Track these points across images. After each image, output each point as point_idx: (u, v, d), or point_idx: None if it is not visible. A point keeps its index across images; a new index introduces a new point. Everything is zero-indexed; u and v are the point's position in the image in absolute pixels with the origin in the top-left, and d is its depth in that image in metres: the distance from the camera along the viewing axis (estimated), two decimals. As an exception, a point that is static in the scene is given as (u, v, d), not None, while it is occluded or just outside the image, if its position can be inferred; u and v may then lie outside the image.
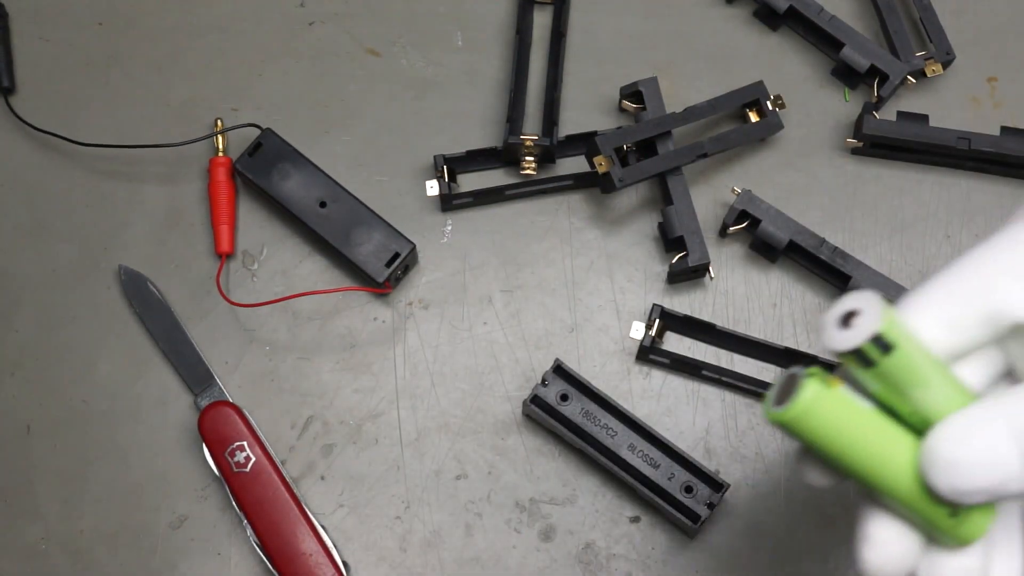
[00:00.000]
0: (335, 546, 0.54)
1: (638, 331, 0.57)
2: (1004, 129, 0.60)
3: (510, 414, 0.57)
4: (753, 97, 0.60)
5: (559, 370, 0.55)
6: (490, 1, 0.65)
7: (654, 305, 0.57)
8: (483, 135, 0.62)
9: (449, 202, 0.60)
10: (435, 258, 0.60)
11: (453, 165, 0.60)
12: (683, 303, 0.59)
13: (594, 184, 0.60)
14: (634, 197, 0.61)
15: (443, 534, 0.56)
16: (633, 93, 0.60)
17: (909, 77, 0.61)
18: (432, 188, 0.59)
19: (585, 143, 0.59)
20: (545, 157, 0.60)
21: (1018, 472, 0.30)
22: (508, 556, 0.55)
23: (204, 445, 0.55)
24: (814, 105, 0.63)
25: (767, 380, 0.57)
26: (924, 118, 0.60)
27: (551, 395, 0.55)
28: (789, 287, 0.60)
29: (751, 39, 0.64)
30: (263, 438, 0.56)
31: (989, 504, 0.33)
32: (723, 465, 0.56)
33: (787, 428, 0.32)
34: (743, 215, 0.58)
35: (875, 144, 0.60)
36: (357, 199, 0.59)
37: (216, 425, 0.55)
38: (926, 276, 0.47)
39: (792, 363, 0.57)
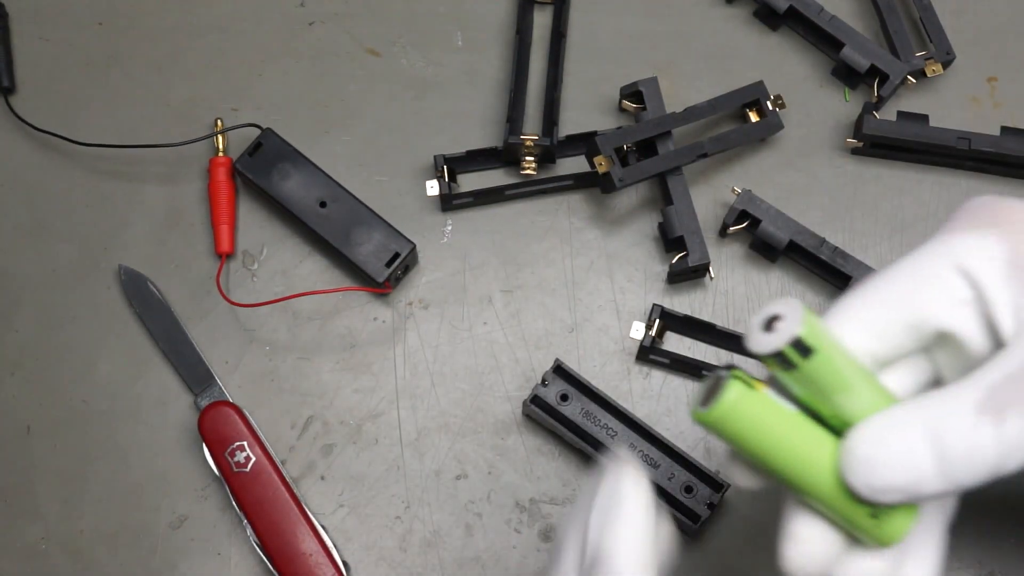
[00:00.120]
0: (335, 546, 0.54)
1: (638, 331, 0.57)
2: (1004, 129, 0.60)
3: (510, 414, 0.57)
4: (753, 97, 0.60)
5: (559, 370, 0.55)
6: (490, 1, 0.65)
7: (654, 305, 0.57)
8: (483, 135, 0.62)
9: (449, 202, 0.60)
10: (435, 258, 0.60)
11: (453, 165, 0.60)
12: (683, 303, 0.59)
13: (594, 184, 0.60)
14: (634, 197, 0.61)
15: (443, 534, 0.56)
16: (633, 93, 0.60)
17: (909, 77, 0.61)
18: (432, 188, 0.59)
19: (585, 143, 0.59)
20: (545, 157, 0.60)
21: (932, 473, 0.31)
22: (508, 556, 0.55)
23: (204, 445, 0.55)
24: (814, 105, 0.63)
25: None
26: (924, 118, 0.60)
27: (551, 395, 0.55)
28: (789, 287, 0.60)
29: (751, 39, 0.64)
30: (263, 438, 0.56)
31: (910, 507, 0.34)
32: (723, 465, 0.56)
33: (711, 428, 0.33)
34: (743, 215, 0.58)
35: (875, 144, 0.60)
36: (357, 199, 0.59)
37: (216, 425, 0.55)
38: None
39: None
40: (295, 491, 0.55)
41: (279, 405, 0.58)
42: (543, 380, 0.55)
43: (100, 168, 0.62)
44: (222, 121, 0.61)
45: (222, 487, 0.55)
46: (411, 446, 0.57)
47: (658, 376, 0.58)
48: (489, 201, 0.61)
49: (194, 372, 0.57)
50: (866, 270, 0.57)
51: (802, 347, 0.31)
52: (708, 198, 0.61)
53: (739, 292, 0.59)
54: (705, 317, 0.58)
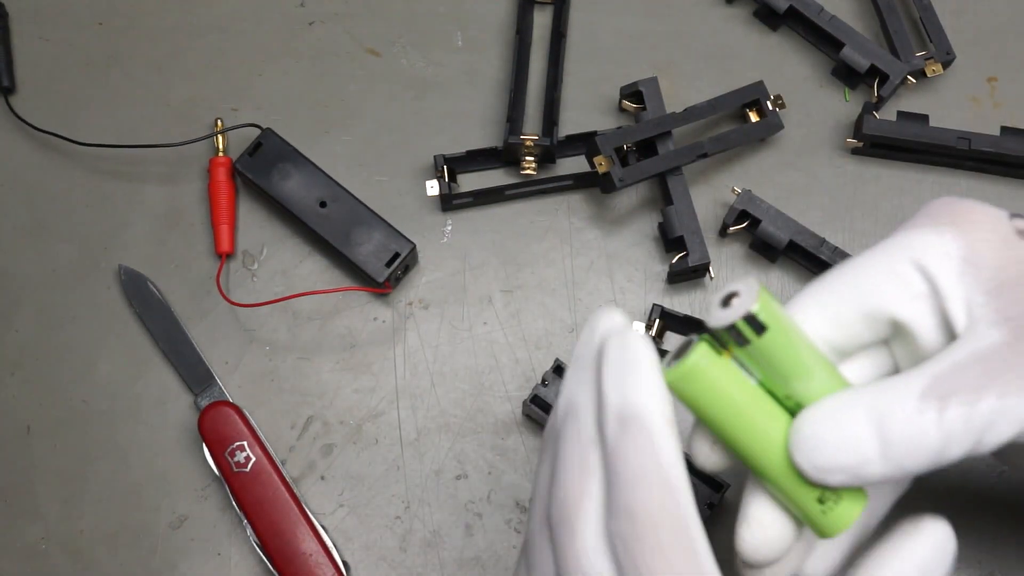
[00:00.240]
0: (335, 546, 0.54)
1: (638, 331, 0.57)
2: (1004, 129, 0.60)
3: (510, 414, 0.57)
4: (753, 97, 0.60)
5: (559, 370, 0.55)
6: (490, 1, 0.65)
7: (654, 305, 0.57)
8: (483, 135, 0.62)
9: (449, 202, 0.60)
10: (435, 258, 0.60)
11: (453, 165, 0.60)
12: (683, 303, 0.59)
13: (594, 184, 0.60)
14: (634, 197, 0.61)
15: (443, 534, 0.56)
16: (633, 93, 0.60)
17: (909, 77, 0.61)
18: (432, 188, 0.59)
19: (585, 143, 0.59)
20: (545, 157, 0.60)
21: (875, 456, 0.32)
22: (508, 556, 0.55)
23: (204, 445, 0.55)
24: (814, 105, 0.63)
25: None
26: (924, 118, 0.60)
27: (551, 395, 0.55)
28: (789, 287, 0.60)
29: (751, 39, 0.64)
30: (263, 438, 0.56)
31: (856, 500, 0.34)
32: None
33: (675, 388, 0.33)
34: (743, 215, 0.58)
35: (875, 144, 0.61)
36: (357, 199, 0.59)
37: (216, 425, 0.55)
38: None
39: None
40: (295, 491, 0.55)
41: (279, 405, 0.58)
42: (543, 380, 0.55)
43: (100, 168, 0.62)
44: (222, 121, 0.61)
45: (222, 487, 0.55)
46: (411, 446, 0.57)
47: (658, 376, 0.58)
48: (489, 201, 0.61)
49: (194, 372, 0.57)
50: (866, 270, 0.57)
51: (755, 323, 0.33)
52: (708, 198, 0.61)
53: (745, 276, 0.59)
54: (705, 317, 0.58)
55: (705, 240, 0.58)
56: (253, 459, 0.55)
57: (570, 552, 0.32)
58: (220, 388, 0.57)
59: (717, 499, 0.54)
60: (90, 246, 0.60)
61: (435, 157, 0.59)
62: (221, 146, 0.61)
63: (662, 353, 0.56)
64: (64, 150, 0.62)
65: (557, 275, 0.60)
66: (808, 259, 0.59)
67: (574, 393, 0.34)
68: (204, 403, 0.57)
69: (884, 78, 0.61)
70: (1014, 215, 0.35)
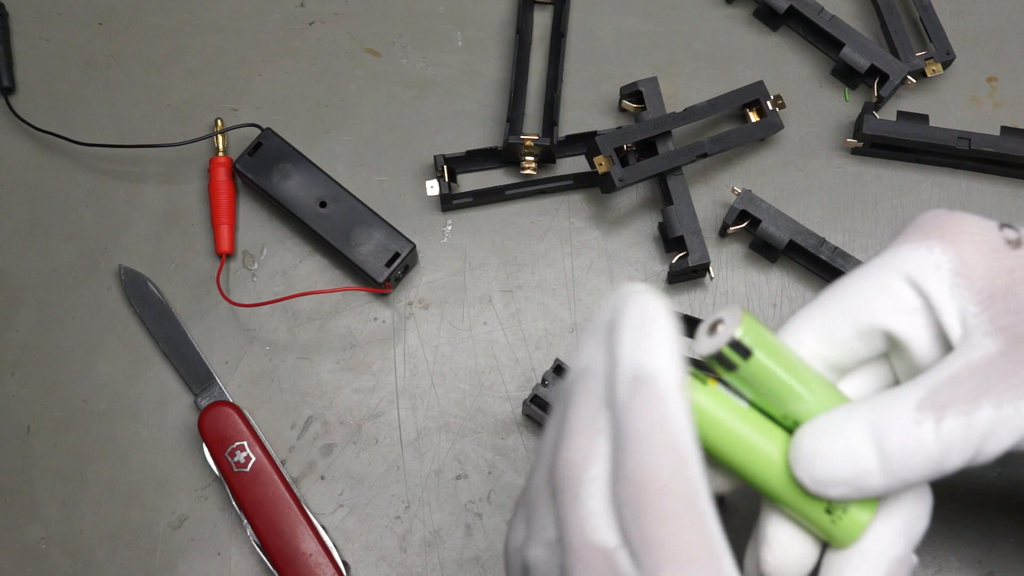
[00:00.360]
0: (335, 546, 0.54)
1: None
2: (1004, 129, 0.60)
3: (510, 414, 0.57)
4: (753, 97, 0.60)
5: (559, 370, 0.55)
6: (490, 1, 0.65)
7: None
8: (483, 135, 0.62)
9: (449, 202, 0.60)
10: (435, 258, 0.60)
11: (453, 165, 0.60)
12: (683, 303, 0.59)
13: (594, 184, 0.60)
14: (634, 197, 0.61)
15: (443, 534, 0.56)
16: (633, 93, 0.60)
17: (909, 77, 0.61)
18: (432, 188, 0.59)
19: (585, 143, 0.59)
20: (545, 157, 0.60)
21: (874, 468, 0.32)
22: (508, 556, 0.55)
23: (204, 445, 0.55)
24: (814, 105, 0.63)
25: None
26: (924, 118, 0.60)
27: (551, 395, 0.55)
28: (789, 287, 0.60)
29: (751, 39, 0.64)
30: (263, 438, 0.56)
31: (865, 507, 0.34)
32: None
33: None
34: (743, 215, 0.58)
35: (875, 144, 0.60)
36: (357, 199, 0.59)
37: (216, 425, 0.55)
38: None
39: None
40: (295, 491, 0.55)
41: (279, 405, 0.58)
42: (543, 380, 0.55)
43: (100, 168, 0.62)
44: (222, 121, 0.61)
45: (222, 487, 0.55)
46: (411, 446, 0.57)
47: (658, 376, 0.58)
48: (489, 201, 0.61)
49: (194, 372, 0.57)
50: (866, 270, 0.57)
51: (740, 348, 0.33)
52: (708, 198, 0.61)
53: (739, 292, 0.60)
54: (705, 317, 0.58)
55: (705, 240, 0.58)
56: (253, 459, 0.55)
57: (574, 517, 0.32)
58: (220, 388, 0.57)
59: (716, 500, 0.53)
60: (90, 246, 0.60)
61: (435, 157, 0.59)
62: (221, 146, 0.61)
63: (691, 324, 0.56)
64: (64, 150, 0.62)
65: (557, 275, 0.60)
66: (808, 259, 0.59)
67: (588, 354, 0.34)
68: (204, 403, 0.57)
69: (884, 78, 0.61)
70: (1003, 225, 0.35)
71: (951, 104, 0.63)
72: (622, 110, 0.62)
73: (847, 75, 0.63)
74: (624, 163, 0.58)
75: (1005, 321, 0.33)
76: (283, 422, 0.57)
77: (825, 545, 0.36)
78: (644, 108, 0.60)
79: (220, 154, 0.61)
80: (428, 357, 0.58)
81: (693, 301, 0.59)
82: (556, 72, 0.61)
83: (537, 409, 0.55)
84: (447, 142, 0.62)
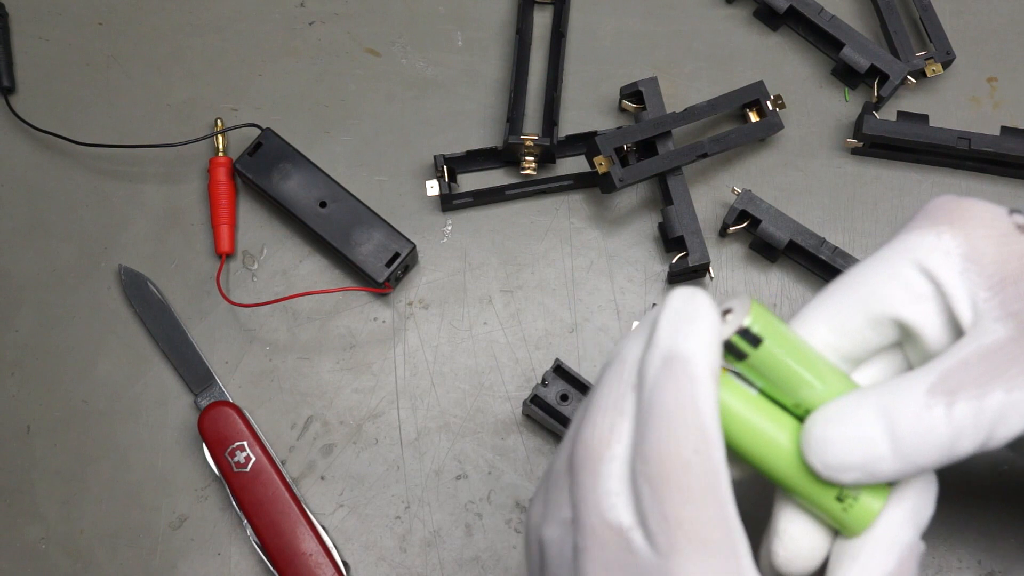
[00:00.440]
0: (335, 546, 0.54)
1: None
2: (1004, 129, 0.60)
3: (510, 414, 0.57)
4: (753, 97, 0.60)
5: (559, 370, 0.55)
6: (490, 1, 0.65)
7: (654, 305, 0.57)
8: (483, 135, 0.62)
9: (449, 202, 0.60)
10: (435, 258, 0.60)
11: (453, 165, 0.60)
12: (683, 303, 0.59)
13: (594, 184, 0.60)
14: (634, 197, 0.61)
15: (443, 534, 0.56)
16: (633, 93, 0.60)
17: (909, 77, 0.61)
18: (432, 188, 0.59)
19: (585, 143, 0.59)
20: (545, 157, 0.60)
21: (886, 452, 0.32)
22: (508, 556, 0.55)
23: (204, 445, 0.55)
24: (814, 105, 0.63)
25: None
26: (924, 118, 0.60)
27: (551, 395, 0.55)
28: (789, 287, 0.60)
29: (751, 39, 0.64)
30: (263, 438, 0.56)
31: (876, 495, 0.34)
32: None
33: None
34: (743, 215, 0.58)
35: (875, 144, 0.60)
36: (357, 199, 0.59)
37: (216, 425, 0.55)
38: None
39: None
40: (295, 491, 0.55)
41: (279, 405, 0.58)
42: (543, 380, 0.55)
43: (100, 168, 0.62)
44: (222, 121, 0.61)
45: (222, 487, 0.55)
46: (411, 446, 0.57)
47: (658, 376, 0.58)
48: (489, 201, 0.61)
49: (194, 372, 0.57)
50: (866, 270, 0.57)
51: (750, 336, 0.33)
52: (708, 198, 0.61)
53: (739, 292, 0.59)
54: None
55: (705, 240, 0.58)
56: (253, 459, 0.55)
57: (591, 495, 0.32)
58: (220, 388, 0.57)
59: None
60: (90, 246, 0.60)
61: (435, 157, 0.59)
62: (221, 146, 0.61)
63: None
64: (64, 150, 0.62)
65: (557, 275, 0.60)
66: (808, 259, 0.59)
67: (625, 343, 0.34)
68: (204, 403, 0.57)
69: (884, 78, 0.61)
70: (1013, 210, 0.35)
71: (951, 104, 0.63)
72: (622, 110, 0.62)
73: (847, 75, 0.63)
74: (624, 163, 0.58)
75: (1016, 306, 0.33)
76: (283, 422, 0.57)
77: (835, 534, 0.36)
78: (644, 108, 0.60)
79: (220, 154, 0.61)
80: (428, 357, 0.58)
81: (693, 301, 0.59)
82: (556, 72, 0.61)
83: (537, 409, 0.55)
84: (447, 142, 0.62)
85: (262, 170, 0.59)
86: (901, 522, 0.34)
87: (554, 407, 0.55)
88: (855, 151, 0.62)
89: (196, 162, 0.61)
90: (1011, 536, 0.55)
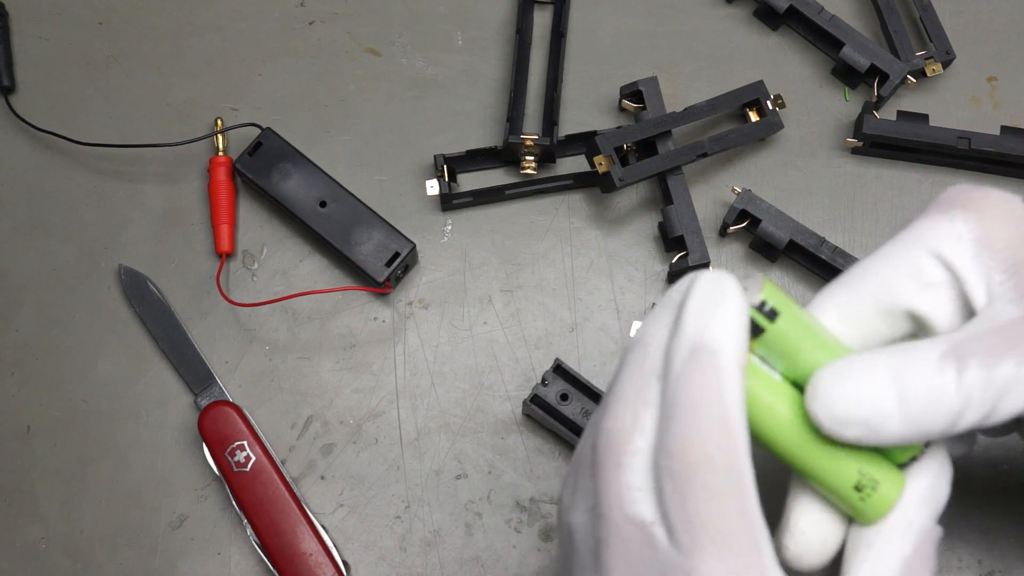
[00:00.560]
0: (335, 546, 0.54)
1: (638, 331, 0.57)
2: (1004, 129, 0.60)
3: (510, 414, 0.57)
4: (753, 97, 0.60)
5: (559, 370, 0.55)
6: (490, 1, 0.65)
7: (654, 304, 0.57)
8: (483, 135, 0.62)
9: (449, 202, 0.60)
10: (435, 258, 0.60)
11: (453, 165, 0.60)
12: (683, 303, 0.59)
13: (594, 184, 0.60)
14: (634, 197, 0.61)
15: (443, 534, 0.56)
16: (633, 93, 0.60)
17: (909, 77, 0.61)
18: (432, 188, 0.59)
19: (585, 143, 0.59)
20: (545, 157, 0.60)
21: (893, 411, 0.32)
22: (508, 556, 0.55)
23: (204, 445, 0.55)
24: (814, 105, 0.63)
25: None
26: (924, 118, 0.60)
27: (551, 395, 0.55)
28: (789, 287, 0.60)
29: (751, 39, 0.64)
30: (263, 438, 0.56)
31: (894, 482, 0.34)
32: None
33: None
34: (743, 215, 0.58)
35: (875, 144, 0.60)
36: (357, 199, 0.59)
37: (216, 425, 0.55)
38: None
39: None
40: (295, 491, 0.55)
41: (279, 405, 0.58)
42: (543, 380, 0.55)
43: (100, 168, 0.62)
44: (222, 120, 0.61)
45: (222, 487, 0.55)
46: (411, 446, 0.57)
47: (658, 376, 0.58)
48: (489, 201, 0.61)
49: (194, 372, 0.57)
50: (866, 270, 0.57)
51: (766, 309, 0.33)
52: (708, 198, 0.61)
53: (752, 273, 0.59)
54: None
55: (705, 240, 0.58)
56: (253, 459, 0.55)
57: (613, 489, 0.32)
58: (220, 388, 0.57)
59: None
60: (90, 246, 0.60)
61: (435, 157, 0.59)
62: (221, 146, 0.61)
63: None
64: (64, 150, 0.62)
65: (557, 275, 0.60)
66: (808, 259, 0.59)
67: (648, 327, 0.33)
68: (204, 403, 0.57)
69: (884, 78, 0.61)
70: None
71: (951, 104, 0.63)
72: (622, 110, 0.62)
73: (847, 75, 0.63)
74: (624, 163, 0.58)
75: None
76: (283, 422, 0.57)
77: (849, 524, 0.35)
78: (644, 108, 0.60)
79: (220, 154, 0.61)
80: (428, 357, 0.58)
81: (693, 301, 0.59)
82: (556, 72, 0.61)
83: (537, 409, 0.55)
84: (447, 142, 0.62)
85: (262, 170, 0.59)
86: (916, 507, 0.34)
87: (554, 407, 0.55)
88: (855, 151, 0.62)
89: (196, 162, 0.61)
90: (1011, 536, 0.55)
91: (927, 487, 0.34)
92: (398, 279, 0.59)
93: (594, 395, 0.55)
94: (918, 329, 0.35)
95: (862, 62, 0.61)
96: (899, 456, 0.34)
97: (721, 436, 0.30)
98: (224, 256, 0.59)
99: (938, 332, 0.35)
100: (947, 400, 0.31)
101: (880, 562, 0.33)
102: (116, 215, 0.61)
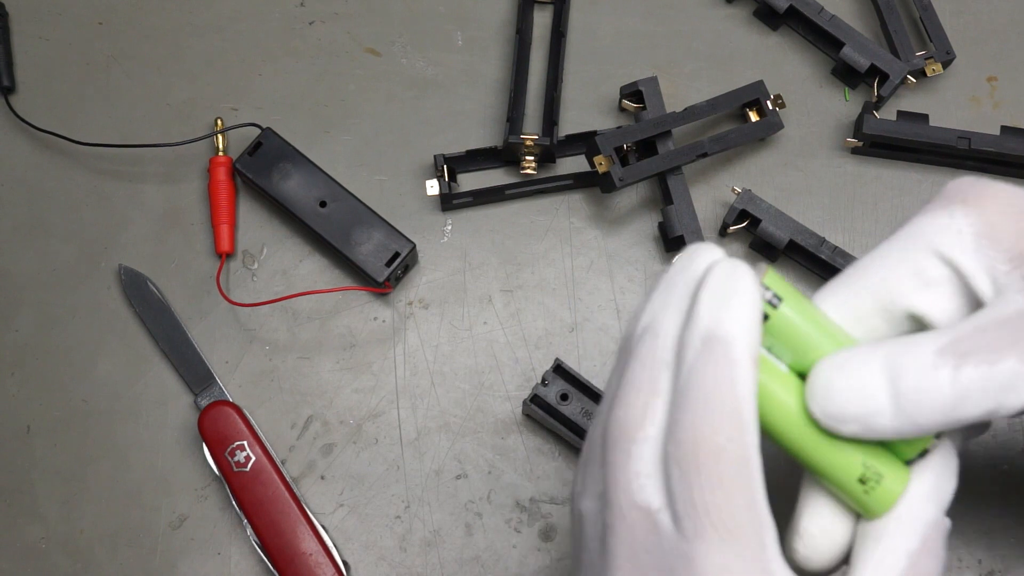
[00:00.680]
0: (335, 546, 0.54)
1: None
2: (1004, 129, 0.60)
3: (510, 414, 0.57)
4: (753, 97, 0.60)
5: (559, 369, 0.55)
6: (490, 1, 0.65)
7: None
8: (483, 135, 0.62)
9: (449, 202, 0.60)
10: (435, 258, 0.60)
11: (453, 165, 0.60)
12: (683, 303, 0.59)
13: (594, 184, 0.60)
14: (634, 197, 0.61)
15: (443, 534, 0.56)
16: (633, 93, 0.60)
17: (909, 77, 0.61)
18: (432, 188, 0.59)
19: (585, 142, 0.59)
20: (545, 157, 0.60)
21: (886, 406, 0.32)
22: (508, 556, 0.55)
23: (204, 445, 0.55)
24: (814, 105, 0.63)
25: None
26: (924, 118, 0.60)
27: (551, 395, 0.55)
28: (794, 287, 0.60)
29: (751, 39, 0.64)
30: (263, 438, 0.56)
31: (898, 478, 0.34)
32: None
33: None
34: (743, 214, 0.58)
35: (875, 144, 0.60)
36: (357, 199, 0.59)
37: (216, 425, 0.55)
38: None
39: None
40: (295, 491, 0.55)
41: (279, 405, 0.58)
42: (543, 380, 0.55)
43: (100, 168, 0.62)
44: (222, 120, 0.61)
45: (222, 487, 0.55)
46: (411, 446, 0.57)
47: (658, 376, 0.58)
48: (489, 201, 0.61)
49: (194, 372, 0.57)
50: (866, 270, 0.57)
51: (768, 296, 0.34)
52: (708, 198, 0.61)
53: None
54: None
55: (705, 240, 0.58)
56: (253, 459, 0.55)
57: (621, 475, 0.32)
58: (220, 388, 0.57)
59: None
60: (90, 246, 0.60)
61: (435, 157, 0.59)
62: (221, 146, 0.61)
63: None
64: (64, 150, 0.62)
65: (557, 275, 0.60)
66: (808, 259, 0.59)
67: (657, 313, 0.33)
68: (204, 403, 0.57)
69: (884, 78, 0.61)
70: None
71: (951, 104, 0.63)
72: (622, 110, 0.62)
73: (847, 75, 0.63)
74: (624, 163, 0.58)
75: None
76: (283, 422, 0.57)
77: (857, 520, 0.35)
78: (644, 108, 0.60)
79: (220, 154, 0.61)
80: (428, 357, 0.58)
81: (693, 301, 0.59)
82: (556, 72, 0.61)
83: (537, 409, 0.55)
84: (447, 142, 0.62)
85: (262, 170, 0.59)
86: (922, 500, 0.34)
87: (554, 407, 0.55)
88: (855, 151, 0.62)
89: (196, 162, 0.61)
90: (1011, 536, 0.55)
91: (932, 480, 0.34)
92: (398, 279, 0.59)
93: (594, 395, 0.55)
94: (920, 328, 0.35)
95: (862, 62, 0.61)
96: (906, 452, 0.34)
97: (732, 427, 0.30)
98: (224, 256, 0.59)
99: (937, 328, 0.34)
100: (940, 396, 0.31)
101: (886, 556, 0.33)
102: (116, 215, 0.61)
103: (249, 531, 0.54)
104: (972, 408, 0.31)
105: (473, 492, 0.56)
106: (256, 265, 0.60)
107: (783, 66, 0.64)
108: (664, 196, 0.59)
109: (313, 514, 0.55)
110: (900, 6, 0.63)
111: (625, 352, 0.34)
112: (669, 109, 0.60)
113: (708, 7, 0.65)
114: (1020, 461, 0.56)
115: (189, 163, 0.61)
